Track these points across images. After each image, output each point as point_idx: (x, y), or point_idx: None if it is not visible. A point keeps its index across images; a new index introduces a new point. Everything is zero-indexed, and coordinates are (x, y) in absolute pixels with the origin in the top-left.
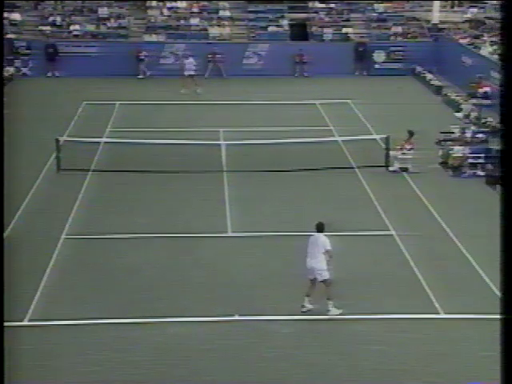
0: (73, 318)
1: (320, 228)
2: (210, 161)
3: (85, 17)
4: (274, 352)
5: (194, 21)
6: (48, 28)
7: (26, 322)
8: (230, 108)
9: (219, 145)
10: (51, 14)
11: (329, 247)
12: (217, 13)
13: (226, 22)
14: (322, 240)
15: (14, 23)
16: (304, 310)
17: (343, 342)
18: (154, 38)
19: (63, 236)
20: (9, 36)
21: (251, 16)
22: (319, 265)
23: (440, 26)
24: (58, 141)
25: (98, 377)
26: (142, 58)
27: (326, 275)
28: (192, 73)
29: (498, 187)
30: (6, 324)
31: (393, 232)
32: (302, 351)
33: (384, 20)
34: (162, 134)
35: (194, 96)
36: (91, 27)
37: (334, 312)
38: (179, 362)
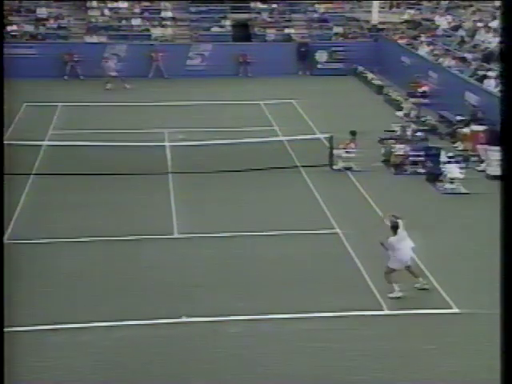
0: (16, 324)
1: (397, 226)
2: (154, 162)
3: (23, 17)
4: (220, 353)
5: (136, 21)
6: None
7: None
8: (174, 109)
9: (164, 146)
10: None
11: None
12: (159, 13)
13: (168, 23)
14: (406, 235)
15: None
16: (400, 295)
17: (289, 340)
18: (95, 39)
19: (5, 240)
20: None
21: (193, 17)
22: (411, 255)
23: (379, 26)
24: None
25: (46, 382)
26: (76, 59)
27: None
28: (114, 74)
29: (438, 184)
30: None
31: (338, 230)
32: (249, 351)
33: (325, 20)
34: (106, 135)
35: (136, 96)
36: (30, 28)
37: (425, 285)
38: (125, 365)
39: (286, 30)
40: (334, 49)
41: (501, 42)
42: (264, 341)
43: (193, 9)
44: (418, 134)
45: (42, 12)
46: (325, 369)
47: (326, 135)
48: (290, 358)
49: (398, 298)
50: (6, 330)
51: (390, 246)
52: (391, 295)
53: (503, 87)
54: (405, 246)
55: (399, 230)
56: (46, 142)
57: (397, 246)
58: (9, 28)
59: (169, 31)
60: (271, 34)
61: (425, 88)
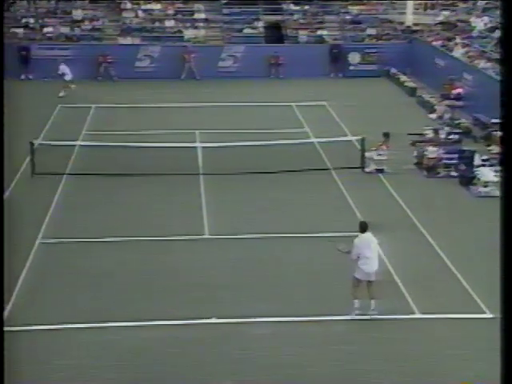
0: (47, 322)
1: (365, 227)
2: (186, 163)
3: (58, 19)
4: (246, 354)
5: (169, 23)
6: (21, 30)
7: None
8: (206, 110)
9: (195, 147)
10: (24, 16)
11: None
12: (192, 15)
13: (201, 24)
14: (375, 241)
15: None
16: (358, 312)
17: (314, 343)
18: (128, 40)
19: (38, 240)
20: None
21: (226, 18)
22: (377, 266)
23: (413, 28)
24: (32, 144)
25: (71, 382)
26: (110, 61)
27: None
28: (70, 77)
29: (471, 187)
30: None
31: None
32: (277, 352)
33: (358, 22)
34: (137, 136)
35: (168, 98)
36: (65, 29)
37: (375, 312)
38: (154, 365)
39: (319, 32)
40: (366, 50)
41: (501, 42)
42: (289, 343)
43: (226, 10)
44: (452, 136)
45: (77, 14)
46: (349, 372)
47: (358, 137)
48: (314, 360)
49: (353, 317)
50: (33, 328)
51: (354, 248)
52: (352, 314)
53: (503, 89)
54: (374, 256)
55: (365, 235)
56: (79, 143)
57: (362, 251)
58: (45, 30)
59: (201, 33)
60: (303, 35)
61: (459, 90)
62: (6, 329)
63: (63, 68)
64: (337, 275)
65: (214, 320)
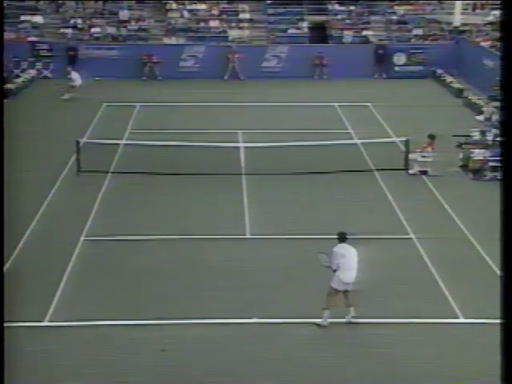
0: (90, 318)
1: (344, 237)
2: (228, 163)
3: (105, 19)
4: (287, 354)
5: (214, 23)
6: (69, 31)
7: (45, 323)
8: (249, 110)
9: (238, 147)
10: (72, 17)
11: (357, 258)
12: (237, 15)
13: (245, 25)
14: (355, 251)
15: (36, 26)
16: (326, 324)
17: (355, 344)
18: (173, 40)
19: (82, 237)
20: (31, 39)
21: (271, 18)
22: (355, 276)
23: (461, 28)
24: (78, 142)
25: (112, 378)
26: (155, 61)
27: (353, 286)
28: (78, 83)
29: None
30: (25, 324)
31: (412, 235)
32: (315, 354)
33: (404, 22)
34: (181, 135)
35: (211, 97)
36: (112, 30)
37: (355, 319)
38: (194, 363)
39: (364, 32)
40: (412, 51)
41: (501, 41)
42: (331, 344)
43: (270, 10)
44: (499, 138)
45: (124, 14)
46: (390, 374)
47: (402, 138)
48: (355, 361)
49: (318, 324)
50: (76, 324)
51: (333, 258)
52: (318, 321)
53: (503, 90)
54: (351, 266)
55: (343, 244)
56: (123, 141)
57: (340, 260)
58: (92, 30)
59: (246, 33)
60: (348, 35)
61: None
62: (50, 324)
63: (74, 74)
64: (383, 277)
65: (254, 320)
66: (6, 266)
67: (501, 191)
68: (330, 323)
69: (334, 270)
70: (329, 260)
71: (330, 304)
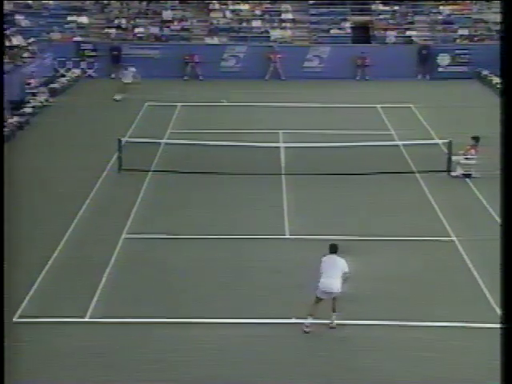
0: (131, 315)
1: (335, 249)
2: (268, 163)
3: (149, 19)
4: (325, 356)
5: (256, 23)
6: (113, 31)
7: (86, 319)
8: (290, 110)
9: (278, 147)
10: (117, 17)
11: (347, 269)
12: (279, 15)
13: (288, 25)
14: (342, 262)
15: (81, 26)
16: (307, 330)
17: (398, 348)
18: (215, 40)
19: (124, 235)
20: (76, 38)
21: (313, 18)
22: (338, 285)
23: None
24: (120, 141)
25: (151, 376)
26: (197, 61)
27: (338, 293)
28: (130, 80)
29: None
30: (68, 320)
31: (454, 238)
32: (353, 355)
33: (450, 22)
34: (220, 135)
35: (252, 97)
36: (155, 30)
37: (334, 324)
38: (232, 363)
39: (408, 33)
40: (457, 52)
41: (501, 41)
42: (373, 347)
43: (313, 10)
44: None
45: (167, 14)
46: (432, 380)
47: (445, 140)
48: (396, 365)
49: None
50: (115, 320)
51: (320, 266)
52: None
53: (503, 89)
54: (332, 274)
55: (333, 255)
56: (164, 141)
57: (325, 269)
58: (136, 30)
59: (288, 33)
60: (391, 36)
61: None
62: (89, 320)
63: (125, 73)
64: (424, 280)
65: (293, 320)
66: (48, 263)
67: (501, 191)
68: (370, 325)
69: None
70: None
71: (311, 311)
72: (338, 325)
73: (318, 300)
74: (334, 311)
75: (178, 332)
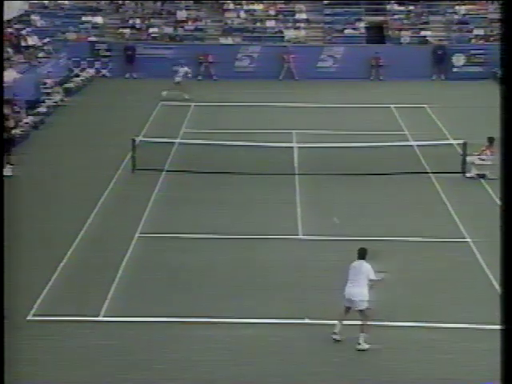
0: (145, 314)
1: (362, 255)
2: (282, 163)
3: (163, 19)
4: (340, 356)
5: (270, 23)
6: (128, 31)
7: (100, 318)
8: (303, 110)
9: (292, 147)
10: (131, 17)
11: (373, 276)
12: (293, 15)
13: (302, 25)
14: (367, 268)
15: (96, 26)
16: (336, 337)
17: (413, 349)
18: (229, 40)
19: (137, 234)
20: (90, 38)
21: (328, 19)
22: (362, 293)
23: None
24: (134, 141)
25: (166, 375)
26: (211, 61)
27: (365, 305)
28: (179, 80)
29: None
30: (81, 319)
31: (468, 239)
32: (370, 357)
33: (465, 22)
34: (234, 135)
35: (266, 97)
36: (169, 30)
37: (363, 347)
38: (245, 363)
39: (422, 33)
40: (472, 52)
41: (501, 43)
42: (386, 347)
43: (327, 10)
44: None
45: (181, 14)
46: (443, 381)
47: (459, 141)
48: (409, 365)
49: (335, 340)
50: (127, 319)
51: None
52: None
53: (504, 88)
54: (355, 282)
55: (360, 262)
56: (178, 140)
57: (349, 275)
58: (150, 30)
59: (302, 33)
60: (406, 36)
61: None
62: (101, 319)
63: (180, 71)
64: (439, 281)
65: (307, 321)
66: (64, 261)
67: (501, 191)
68: (384, 326)
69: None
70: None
71: (339, 317)
72: (351, 325)
73: (347, 309)
74: (361, 331)
75: (193, 332)
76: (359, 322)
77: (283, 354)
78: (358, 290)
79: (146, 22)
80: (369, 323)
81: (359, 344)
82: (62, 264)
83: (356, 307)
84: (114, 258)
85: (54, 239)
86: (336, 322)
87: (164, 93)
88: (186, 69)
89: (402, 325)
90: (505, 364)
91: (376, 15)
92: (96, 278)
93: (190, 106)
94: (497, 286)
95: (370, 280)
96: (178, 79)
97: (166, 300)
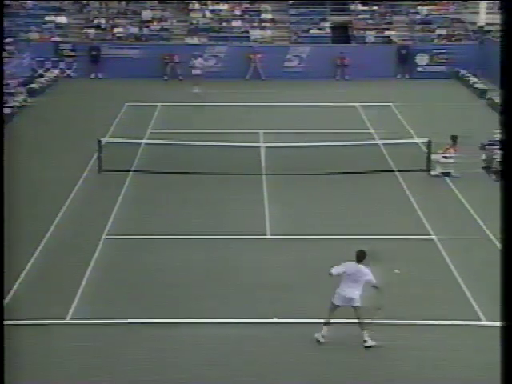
0: (112, 316)
1: (361, 258)
2: (249, 163)
3: (128, 19)
4: (310, 355)
5: (236, 23)
6: (92, 31)
7: (67, 321)
8: (270, 110)
9: (259, 147)
10: (96, 17)
11: (369, 277)
12: (259, 15)
13: (268, 25)
14: (364, 272)
15: (59, 26)
16: (322, 340)
17: (381, 346)
18: (195, 40)
19: (104, 236)
20: (54, 39)
21: (293, 19)
22: (355, 295)
23: (486, 28)
24: (100, 142)
25: (135, 376)
26: (177, 61)
27: (358, 302)
28: (198, 72)
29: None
30: (48, 322)
31: (433, 236)
32: (340, 354)
33: (428, 22)
34: (201, 135)
35: (232, 97)
36: (134, 30)
37: (371, 343)
38: (213, 363)
39: (387, 33)
40: (435, 51)
41: (501, 43)
42: (352, 345)
43: (292, 10)
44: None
45: (146, 14)
46: (412, 377)
47: (424, 140)
48: (376, 365)
49: (318, 340)
50: (97, 322)
51: (340, 268)
52: (316, 335)
53: (504, 88)
54: (351, 283)
55: (356, 264)
56: (144, 141)
57: (346, 271)
58: (115, 30)
59: (268, 33)
60: (370, 35)
61: None
62: (71, 322)
63: (197, 63)
64: (403, 278)
65: (275, 320)
66: (28, 265)
67: (501, 192)
68: (353, 323)
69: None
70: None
71: (327, 319)
72: (320, 324)
73: (334, 307)
74: (362, 329)
75: (163, 332)
76: (356, 321)
77: (255, 353)
78: (356, 292)
79: (111, 22)
80: (366, 321)
81: (366, 341)
82: (28, 266)
83: (352, 305)
84: (82, 260)
85: (20, 242)
86: (323, 321)
87: (195, 90)
88: (200, 60)
89: (370, 322)
90: (505, 364)
91: (341, 15)
92: (63, 281)
93: (156, 106)
94: (462, 283)
95: (367, 281)
96: (197, 72)
97: (134, 301)
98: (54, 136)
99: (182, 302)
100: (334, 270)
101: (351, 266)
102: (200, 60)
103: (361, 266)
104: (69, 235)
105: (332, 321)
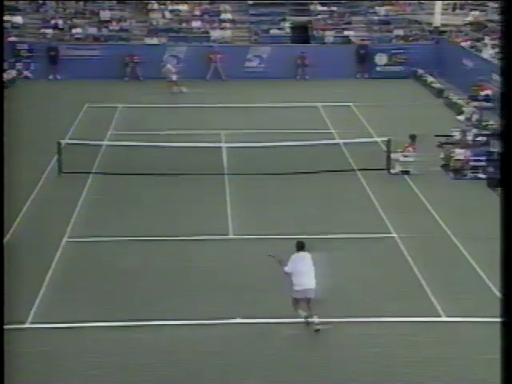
0: (74, 320)
1: (302, 246)
2: (211, 163)
3: (87, 19)
4: (274, 354)
5: (196, 23)
6: (50, 31)
7: (27, 325)
8: (231, 111)
9: (220, 147)
10: (53, 17)
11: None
12: (219, 15)
13: (227, 25)
14: (309, 256)
15: (15, 26)
16: (318, 327)
17: (344, 344)
18: (155, 40)
19: (65, 239)
20: (11, 39)
21: (253, 19)
22: (313, 284)
23: (441, 28)
24: (59, 143)
25: (98, 380)
26: (137, 61)
27: (314, 293)
28: (174, 78)
29: (499, 190)
30: (7, 327)
31: (394, 234)
32: (303, 353)
33: (386, 23)
34: (162, 137)
35: (193, 98)
36: (93, 30)
37: (321, 326)
38: (179, 365)
39: (346, 33)
40: (393, 51)
41: (501, 42)
42: (317, 344)
43: (252, 11)
44: (480, 138)
45: (105, 14)
46: (376, 374)
47: (384, 139)
48: (341, 362)
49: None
50: (60, 326)
51: (290, 264)
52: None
53: (504, 88)
54: (306, 269)
55: (301, 252)
56: (105, 142)
57: (297, 265)
58: (73, 30)
59: (228, 33)
60: (330, 36)
61: (488, 91)
62: (31, 326)
63: (169, 67)
64: (365, 276)
65: (238, 320)
66: None
67: (501, 195)
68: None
69: (288, 274)
70: (281, 258)
71: (297, 310)
72: (283, 323)
73: (298, 302)
74: (313, 314)
75: (127, 335)
76: (308, 309)
77: (218, 353)
78: (312, 281)
79: (69, 22)
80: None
81: (317, 324)
82: None
83: (309, 296)
84: (42, 263)
85: None
86: (299, 311)
87: (184, 90)
88: (169, 66)
89: (331, 321)
90: (505, 364)
91: (300, 15)
92: (23, 285)
93: (116, 107)
94: (422, 280)
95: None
96: (173, 77)
97: (96, 304)
98: (12, 139)
99: (144, 305)
100: (288, 268)
101: (297, 256)
102: (171, 64)
103: (304, 252)
104: (29, 238)
105: (301, 312)
